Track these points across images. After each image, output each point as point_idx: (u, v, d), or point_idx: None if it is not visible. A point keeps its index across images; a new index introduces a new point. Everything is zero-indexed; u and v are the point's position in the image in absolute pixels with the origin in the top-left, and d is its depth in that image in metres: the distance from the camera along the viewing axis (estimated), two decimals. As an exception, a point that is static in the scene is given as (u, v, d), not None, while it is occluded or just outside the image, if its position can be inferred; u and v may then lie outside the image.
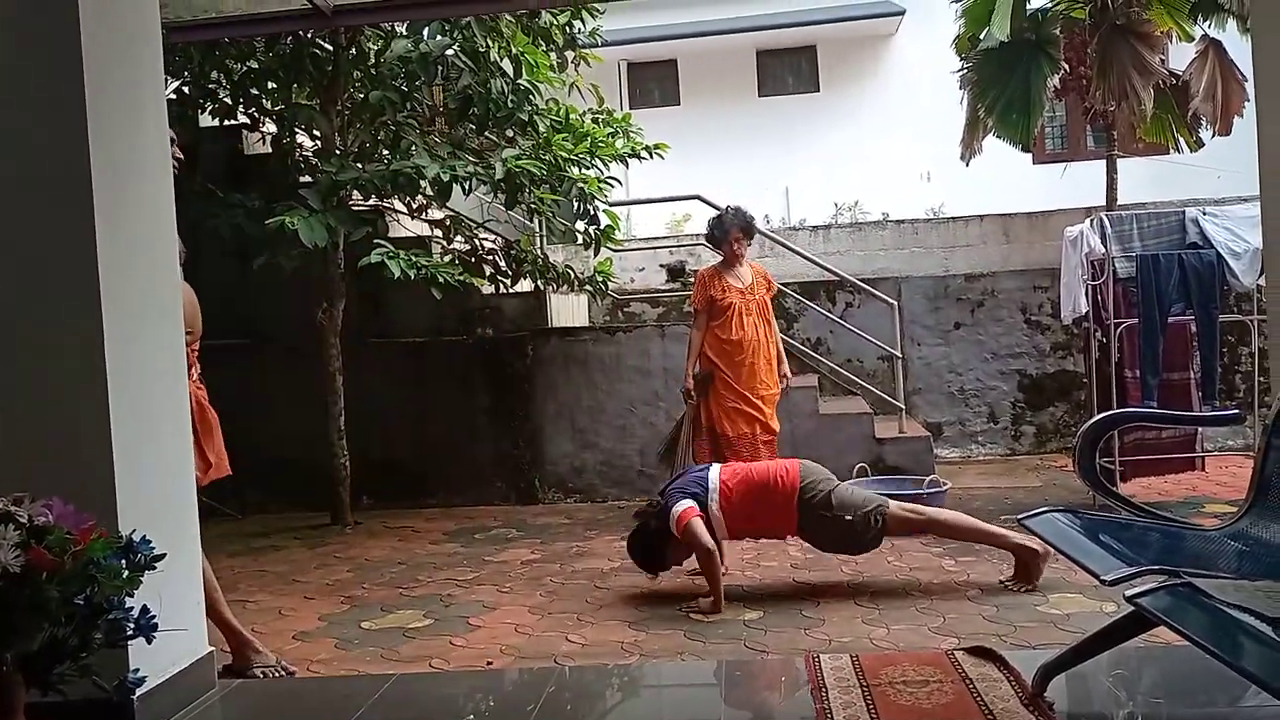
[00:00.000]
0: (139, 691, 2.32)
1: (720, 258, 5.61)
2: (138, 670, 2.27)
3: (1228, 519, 2.54)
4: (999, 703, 2.57)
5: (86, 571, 2.04)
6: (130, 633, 2.11)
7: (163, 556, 2.18)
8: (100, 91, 2.57)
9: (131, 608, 2.12)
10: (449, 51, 5.67)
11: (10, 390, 2.57)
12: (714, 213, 5.77)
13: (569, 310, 7.45)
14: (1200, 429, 5.76)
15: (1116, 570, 2.07)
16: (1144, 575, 2.06)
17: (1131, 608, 1.96)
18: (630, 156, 6.50)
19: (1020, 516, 2.61)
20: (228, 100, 6.13)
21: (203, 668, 2.90)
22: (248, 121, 6.38)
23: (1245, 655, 1.76)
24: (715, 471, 4.25)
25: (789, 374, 5.61)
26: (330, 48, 5.79)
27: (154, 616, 2.14)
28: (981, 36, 7.91)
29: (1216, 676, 2.52)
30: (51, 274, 2.57)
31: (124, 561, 2.11)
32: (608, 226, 6.53)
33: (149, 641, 2.15)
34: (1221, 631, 1.84)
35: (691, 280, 7.01)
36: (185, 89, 6.05)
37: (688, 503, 4.05)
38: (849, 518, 4.07)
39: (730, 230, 5.47)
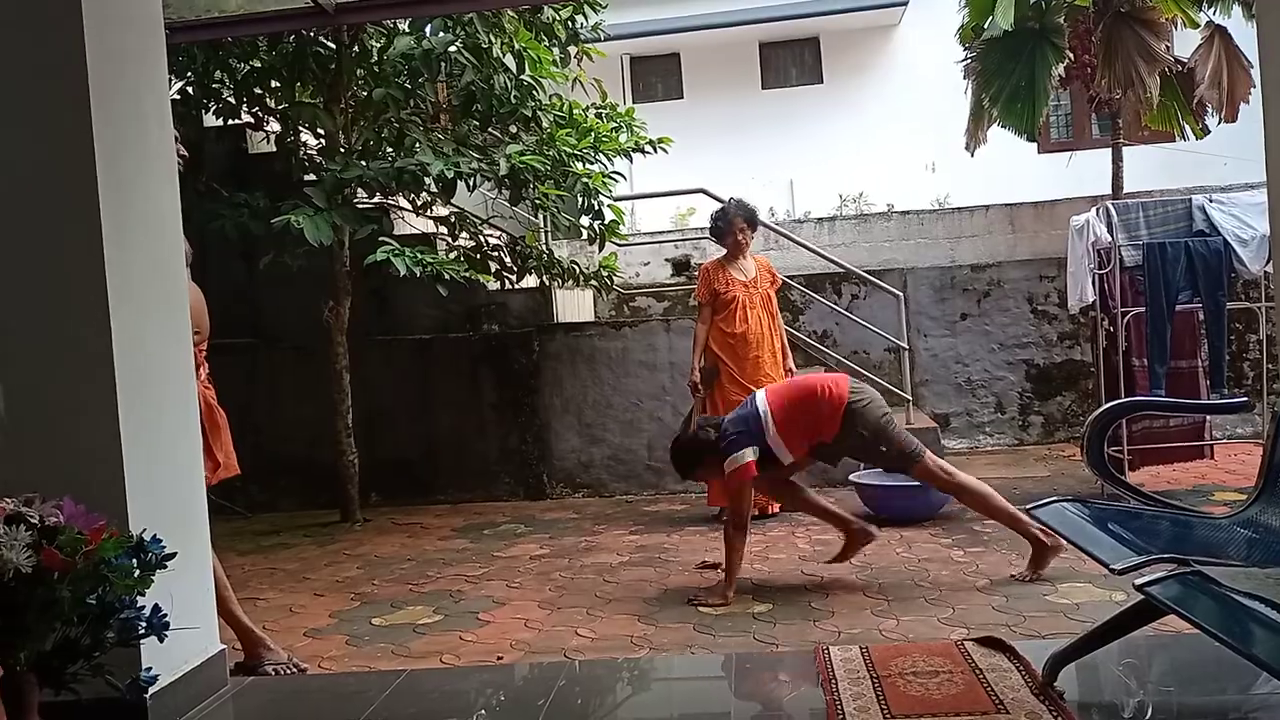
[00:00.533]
0: (151, 690, 2.34)
1: (724, 251, 5.61)
2: (150, 669, 2.29)
3: (1237, 507, 2.54)
4: (1009, 693, 2.57)
5: (98, 571, 2.05)
6: (142, 632, 2.13)
7: (173, 555, 2.20)
8: (104, 92, 2.58)
9: (143, 607, 2.13)
10: (452, 48, 5.66)
11: (21, 391, 2.58)
12: (718, 206, 5.77)
13: (574, 305, 7.45)
14: (1208, 417, 5.74)
15: (1126, 559, 2.07)
16: (1154, 564, 2.06)
17: (1141, 596, 1.96)
18: (634, 151, 6.50)
19: (1029, 506, 2.61)
20: (231, 100, 6.14)
21: (215, 666, 2.91)
22: (252, 121, 6.38)
23: (1256, 642, 1.76)
24: (761, 401, 4.15)
25: (793, 369, 5.61)
26: (333, 46, 5.79)
27: (165, 615, 2.16)
28: (985, 26, 7.88)
29: (1227, 664, 2.52)
30: (59, 275, 2.58)
31: (135, 561, 2.12)
32: (612, 221, 6.53)
33: (161, 640, 2.16)
34: (1232, 619, 1.84)
35: (696, 274, 7.01)
36: (189, 89, 6.06)
37: (751, 455, 4.00)
38: (882, 448, 4.09)
39: (734, 221, 5.47)
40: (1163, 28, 7.49)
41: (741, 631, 3.50)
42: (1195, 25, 7.80)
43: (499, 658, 3.38)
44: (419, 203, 6.33)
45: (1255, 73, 6.54)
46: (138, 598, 2.12)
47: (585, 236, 6.74)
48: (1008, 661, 2.82)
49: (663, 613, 3.77)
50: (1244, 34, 7.26)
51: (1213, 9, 7.71)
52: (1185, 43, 8.28)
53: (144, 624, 2.12)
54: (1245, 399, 3.28)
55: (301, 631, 3.82)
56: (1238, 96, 7.53)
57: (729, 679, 2.99)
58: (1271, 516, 2.41)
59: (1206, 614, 1.83)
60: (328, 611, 4.08)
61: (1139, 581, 1.95)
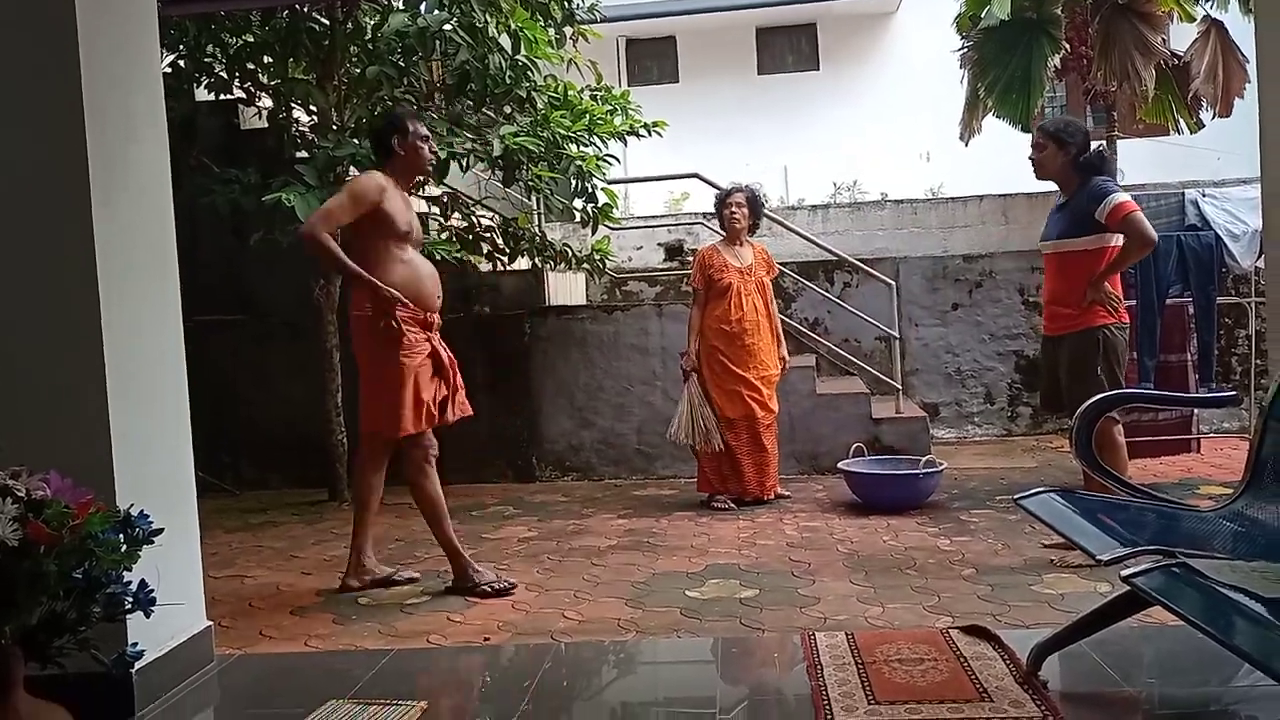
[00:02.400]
0: (137, 665, 2.34)
1: (722, 235, 5.61)
2: (136, 644, 2.28)
3: (1223, 500, 2.55)
4: (993, 681, 2.59)
5: (85, 545, 2.04)
6: (128, 607, 2.12)
7: (160, 531, 2.19)
8: (95, 64, 2.55)
9: (129, 582, 2.13)
10: (447, 26, 5.62)
11: (8, 363, 2.57)
12: (713, 191, 5.77)
13: (566, 288, 7.43)
14: (1196, 411, 5.78)
15: (1112, 550, 2.08)
16: (1139, 555, 2.07)
17: (1126, 587, 1.97)
18: (629, 134, 6.47)
19: (1016, 497, 2.62)
20: (224, 75, 6.08)
21: (201, 641, 2.91)
22: (244, 96, 6.33)
23: (1239, 634, 1.78)
24: None
25: (786, 356, 5.61)
26: (327, 22, 5.75)
27: (152, 590, 2.15)
28: (982, 15, 7.88)
29: (1210, 656, 2.54)
30: (48, 248, 2.56)
31: (122, 536, 2.12)
32: (606, 204, 6.51)
33: (147, 615, 2.16)
34: (1216, 611, 1.85)
35: (690, 259, 7.01)
36: (181, 63, 6.00)
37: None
38: None
39: (732, 196, 5.46)
40: (1159, 21, 7.51)
41: (728, 616, 3.51)
42: (1192, 19, 7.81)
43: (486, 639, 3.38)
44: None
45: (1251, 68, 6.56)
46: (124, 573, 2.12)
47: (578, 219, 6.71)
48: (992, 650, 2.83)
49: (650, 596, 3.78)
50: (1240, 29, 7.27)
51: (1210, 3, 7.72)
52: (1182, 37, 8.28)
53: (130, 599, 2.12)
54: (1233, 393, 3.30)
55: (288, 610, 3.81)
56: (1233, 91, 7.55)
57: (715, 663, 3.00)
58: (1257, 510, 2.42)
59: (1191, 605, 1.84)
60: (314, 590, 4.07)
61: (1124, 572, 1.96)
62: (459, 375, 4.07)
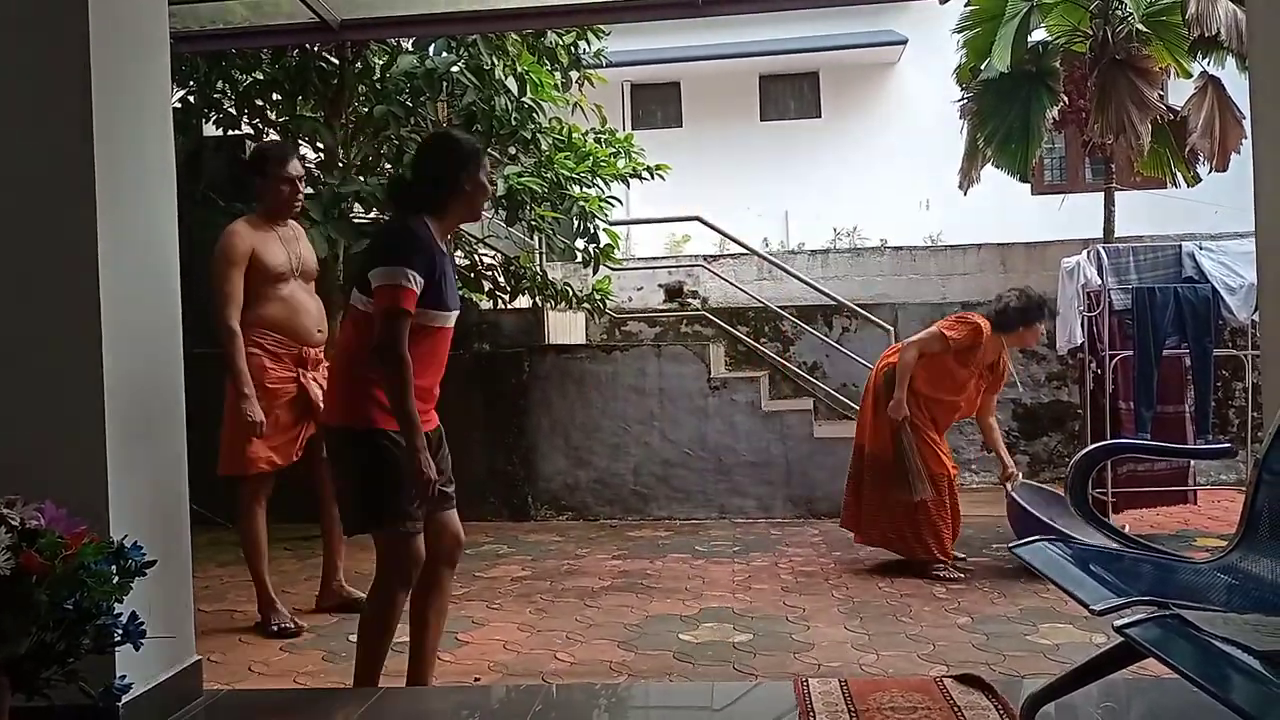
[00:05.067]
0: (125, 698, 2.31)
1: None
2: (124, 677, 2.26)
3: (1218, 552, 2.55)
4: (987, 731, 2.56)
5: (76, 576, 2.03)
6: (118, 639, 2.11)
7: (153, 563, 2.18)
8: (107, 98, 2.58)
9: (120, 614, 2.11)
10: (454, 68, 5.70)
11: (5, 391, 2.57)
12: (713, 234, 5.81)
13: (566, 327, 7.46)
14: (1193, 462, 5.77)
15: (1106, 600, 2.07)
16: (1134, 606, 2.06)
17: (1120, 638, 1.96)
18: (631, 176, 6.54)
19: (1011, 545, 2.61)
20: (232, 110, 6.15)
21: (190, 676, 2.88)
22: (251, 132, 6.40)
23: (1233, 688, 1.76)
24: None
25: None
26: (336, 61, 5.83)
27: (142, 623, 2.14)
28: (982, 67, 7.98)
29: (1204, 710, 2.51)
30: (52, 277, 2.57)
31: (114, 567, 2.11)
32: (607, 245, 6.56)
33: (136, 648, 2.14)
34: (1210, 664, 1.84)
35: (689, 300, 7.06)
36: (190, 98, 6.08)
37: None
38: None
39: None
40: (1156, 76, 7.60)
41: (721, 660, 3.49)
42: (1188, 75, 7.92)
43: (476, 679, 3.36)
44: (415, 220, 6.33)
45: (1247, 124, 6.64)
46: (115, 604, 2.10)
47: (579, 259, 6.76)
48: (986, 700, 2.81)
49: (643, 639, 3.76)
50: (1237, 85, 7.36)
51: (1207, 59, 7.82)
52: (1179, 92, 8.39)
53: (120, 631, 2.10)
54: (1229, 445, 3.30)
55: (278, 646, 3.79)
56: (1229, 146, 7.62)
57: (707, 708, 2.97)
58: (1251, 563, 2.42)
59: (1185, 658, 1.83)
60: (305, 626, 4.04)
61: (1119, 623, 1.95)
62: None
